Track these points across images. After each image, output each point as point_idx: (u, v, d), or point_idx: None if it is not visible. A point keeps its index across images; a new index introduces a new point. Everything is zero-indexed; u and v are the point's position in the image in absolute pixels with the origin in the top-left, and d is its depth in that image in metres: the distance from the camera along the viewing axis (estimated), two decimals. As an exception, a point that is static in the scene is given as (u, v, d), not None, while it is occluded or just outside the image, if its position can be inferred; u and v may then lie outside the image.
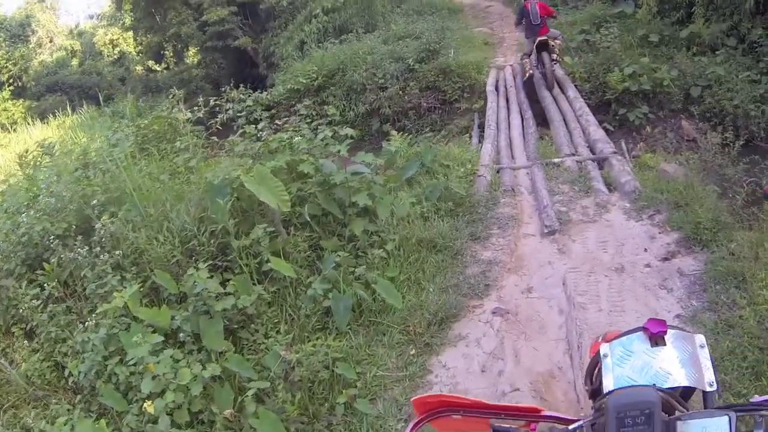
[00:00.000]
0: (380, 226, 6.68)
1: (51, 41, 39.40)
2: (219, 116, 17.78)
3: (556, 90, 12.90)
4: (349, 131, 7.42)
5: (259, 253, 6.00)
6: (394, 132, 9.37)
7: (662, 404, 1.25)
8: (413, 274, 6.25)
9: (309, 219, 6.45)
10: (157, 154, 10.36)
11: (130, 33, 31.71)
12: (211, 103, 11.06)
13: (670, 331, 1.46)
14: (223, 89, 19.76)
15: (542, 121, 12.60)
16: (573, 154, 8.76)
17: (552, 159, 8.70)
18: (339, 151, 7.21)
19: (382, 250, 6.29)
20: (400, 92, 15.31)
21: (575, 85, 13.34)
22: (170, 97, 16.34)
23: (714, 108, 12.73)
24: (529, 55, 13.62)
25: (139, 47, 30.36)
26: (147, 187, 7.16)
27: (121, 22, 31.77)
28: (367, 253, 6.42)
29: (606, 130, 12.78)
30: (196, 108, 15.99)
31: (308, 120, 10.00)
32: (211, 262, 5.77)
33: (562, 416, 1.47)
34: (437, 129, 15.04)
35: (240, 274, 5.78)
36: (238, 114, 16.70)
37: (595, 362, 1.57)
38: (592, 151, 8.93)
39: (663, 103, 13.30)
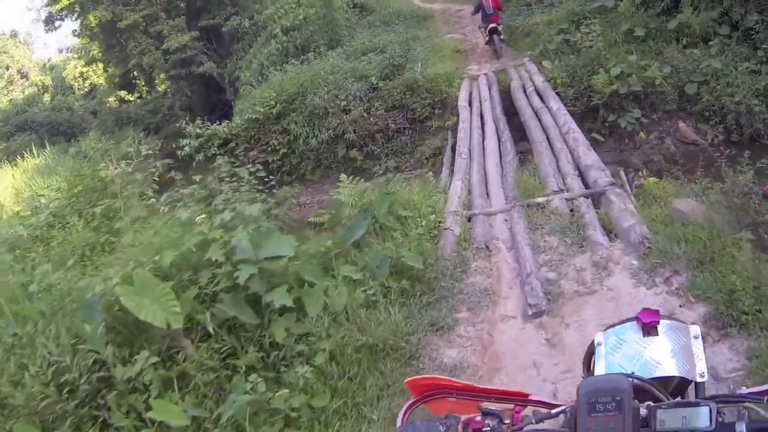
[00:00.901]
0: (310, 325, 4.85)
1: (25, 78, 37.62)
2: (178, 152, 16.22)
3: (537, 101, 11.07)
4: (256, 209, 5.48)
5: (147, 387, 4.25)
6: (343, 175, 7.62)
7: (645, 392, 1.27)
8: (351, 397, 4.42)
9: (215, 330, 4.65)
10: (79, 222, 8.59)
11: (100, 64, 29.85)
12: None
13: (663, 322, 1.42)
14: (185, 120, 18.21)
15: (522, 135, 10.83)
16: (561, 190, 6.81)
17: (535, 198, 6.77)
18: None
19: (309, 366, 4.47)
20: (365, 114, 13.51)
21: (557, 93, 11.54)
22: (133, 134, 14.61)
23: (713, 106, 11.01)
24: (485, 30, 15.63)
25: (108, 78, 28.46)
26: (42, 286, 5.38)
27: (90, 53, 29.91)
28: (293, 364, 4.62)
29: (595, 141, 11.07)
30: (146, 147, 14.25)
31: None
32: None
33: (548, 401, 1.47)
34: (408, 152, 13.35)
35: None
36: (196, 150, 15.09)
37: (591, 351, 1.51)
38: (585, 183, 7.05)
39: (656, 105, 11.51)
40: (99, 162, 19.06)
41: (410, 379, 1.58)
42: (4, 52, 37.35)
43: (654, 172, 8.14)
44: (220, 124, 15.09)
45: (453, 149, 11.04)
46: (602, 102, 11.40)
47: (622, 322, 1.49)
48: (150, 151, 17.78)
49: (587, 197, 6.50)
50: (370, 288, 5.25)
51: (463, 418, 1.36)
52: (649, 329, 1.42)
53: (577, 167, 7.57)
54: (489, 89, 12.98)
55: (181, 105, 26.66)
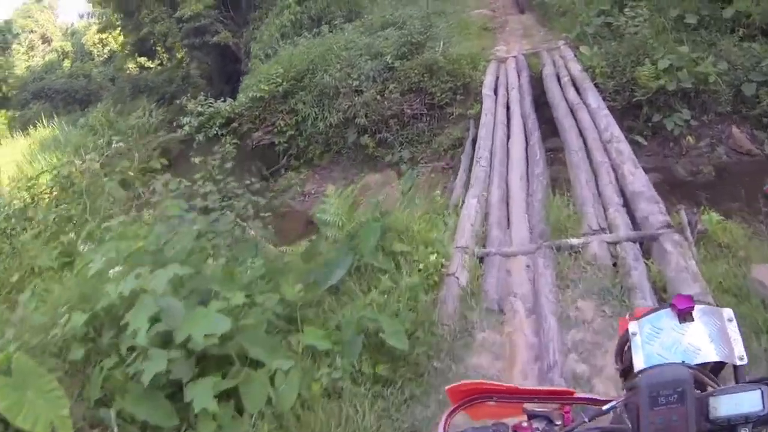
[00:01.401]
0: (248, 427, 3.48)
1: (48, 43, 36.20)
2: (179, 130, 14.86)
3: (572, 94, 9.49)
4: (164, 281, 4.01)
5: None
6: (331, 186, 6.24)
7: (696, 381, 1.21)
8: None
9: None
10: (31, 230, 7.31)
11: (117, 30, 28.27)
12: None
13: (697, 307, 1.32)
14: (186, 97, 16.77)
15: (552, 129, 9.32)
16: (602, 229, 5.22)
17: (568, 239, 5.19)
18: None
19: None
20: (378, 97, 11.98)
21: (595, 84, 9.94)
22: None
23: (773, 111, 9.42)
24: None
25: (123, 45, 26.86)
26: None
27: (106, 18, 28.32)
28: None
29: (636, 143, 9.52)
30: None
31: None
32: None
33: (596, 397, 1.41)
34: (424, 141, 11.85)
35: None
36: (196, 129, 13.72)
37: (624, 341, 1.39)
38: (631, 215, 5.50)
39: (707, 105, 9.91)
40: (103, 136, 17.98)
41: (450, 386, 1.47)
42: (29, 16, 35.87)
43: (711, 203, 6.51)
44: (224, 101, 13.64)
45: (474, 142, 9.54)
46: (646, 98, 9.81)
47: (655, 310, 1.36)
48: (154, 121, 16.62)
49: (635, 241, 4.98)
50: (337, 369, 3.85)
51: (511, 423, 1.29)
52: (684, 315, 1.30)
53: (622, 191, 6.05)
54: (518, 75, 11.39)
55: (201, 73, 25.25)
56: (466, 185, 7.53)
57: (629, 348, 1.35)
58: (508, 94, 10.56)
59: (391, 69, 12.05)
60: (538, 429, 1.28)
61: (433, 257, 5.03)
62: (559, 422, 1.30)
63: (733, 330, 1.30)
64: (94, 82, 27.76)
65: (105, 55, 30.34)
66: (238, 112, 13.19)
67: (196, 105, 13.71)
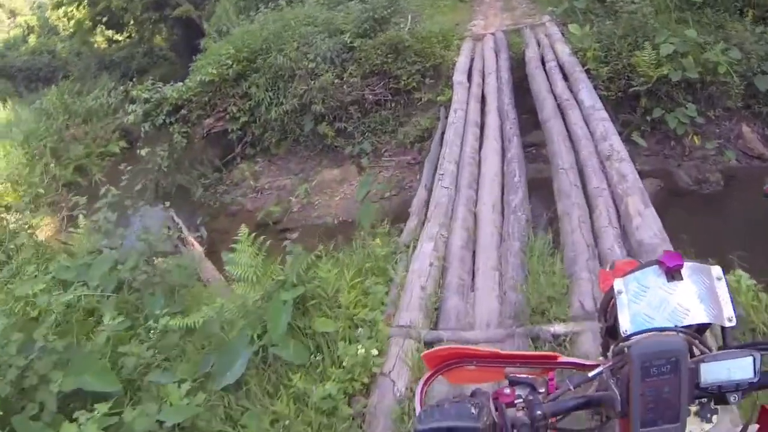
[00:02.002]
0: None
1: (14, 18, 33.27)
2: (124, 119, 13.00)
3: (561, 86, 7.84)
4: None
5: None
6: (243, 228, 4.54)
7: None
8: None
9: None
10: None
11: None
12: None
13: (686, 264, 1.20)
14: (132, 82, 14.85)
15: (535, 120, 7.75)
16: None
17: (550, 324, 3.50)
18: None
19: None
20: (337, 80, 10.21)
21: (587, 70, 8.32)
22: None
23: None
24: None
25: (82, 20, 24.23)
26: None
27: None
28: None
29: (632, 143, 7.99)
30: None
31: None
32: None
33: (581, 362, 1.32)
34: (389, 131, 10.22)
35: None
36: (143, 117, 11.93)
37: (609, 298, 1.29)
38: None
39: (715, 100, 8.37)
40: (57, 119, 16.02)
41: (426, 352, 1.37)
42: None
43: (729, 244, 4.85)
44: (173, 84, 11.78)
45: (443, 136, 7.88)
46: (645, 89, 8.21)
47: (642, 266, 1.23)
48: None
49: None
50: None
51: (492, 391, 1.17)
52: (673, 273, 1.19)
53: (624, 231, 4.45)
54: (496, 57, 9.70)
55: (168, 47, 23.05)
56: (426, 205, 5.92)
57: (614, 305, 1.23)
58: (483, 81, 8.88)
59: (351, 49, 10.29)
60: (520, 396, 1.15)
61: (360, 349, 3.42)
62: (542, 389, 1.19)
63: (722, 289, 1.18)
64: (59, 58, 25.21)
65: (71, 29, 27.68)
66: (187, 97, 11.34)
67: (142, 91, 11.84)
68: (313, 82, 10.38)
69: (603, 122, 6.29)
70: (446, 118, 8.44)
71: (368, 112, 10.29)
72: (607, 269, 1.43)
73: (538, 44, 9.62)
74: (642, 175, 7.99)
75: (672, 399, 1.04)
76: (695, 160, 8.08)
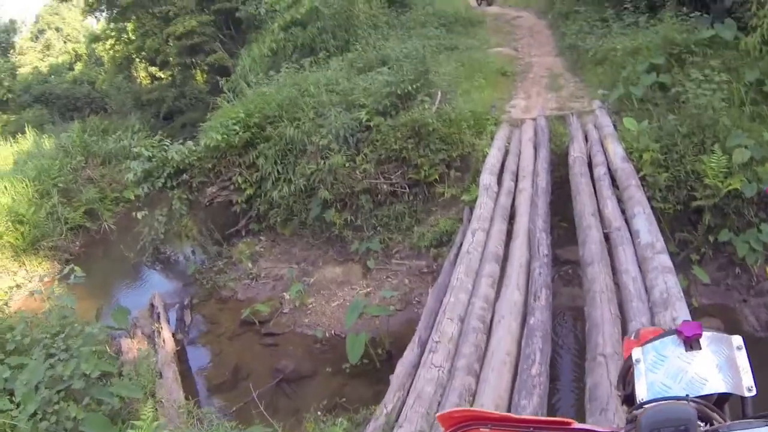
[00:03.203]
0: None
1: (65, 43, 33.02)
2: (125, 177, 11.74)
3: (611, 208, 5.82)
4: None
5: None
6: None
7: (699, 415, 1.05)
8: None
9: None
10: None
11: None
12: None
13: (705, 334, 1.15)
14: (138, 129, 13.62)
15: (572, 238, 5.86)
16: None
17: None
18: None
19: None
20: (349, 163, 8.51)
21: (642, 177, 6.42)
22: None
23: None
24: None
25: (114, 57, 23.39)
26: None
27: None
28: None
29: (688, 261, 6.03)
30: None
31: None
32: None
33: (595, 428, 1.22)
34: (403, 228, 8.45)
35: None
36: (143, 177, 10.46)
37: (628, 367, 1.23)
38: None
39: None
40: (76, 157, 14.91)
41: (441, 413, 1.28)
42: (56, 13, 32.95)
43: None
44: (183, 143, 10.36)
45: (459, 252, 6.02)
46: (711, 204, 6.24)
47: (661, 335, 1.19)
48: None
49: None
50: None
51: None
52: (691, 343, 1.14)
53: None
54: (535, 152, 7.85)
55: (209, 89, 21.99)
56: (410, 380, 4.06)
57: (632, 374, 1.18)
58: (516, 186, 7.03)
59: (368, 128, 8.61)
60: None
61: None
62: None
63: (742, 359, 1.12)
64: (99, 89, 24.44)
65: (118, 62, 26.99)
66: (190, 162, 9.87)
67: (146, 147, 10.46)
68: (323, 162, 8.74)
69: (665, 275, 4.35)
70: (469, 221, 6.63)
71: (381, 203, 8.62)
72: (632, 338, 1.28)
73: (586, 138, 7.75)
74: (696, 312, 6.06)
75: None
76: (766, 298, 6.03)
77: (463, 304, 4.74)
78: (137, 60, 22.40)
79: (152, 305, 8.65)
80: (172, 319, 8.67)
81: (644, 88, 7.88)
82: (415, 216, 8.40)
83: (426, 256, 8.07)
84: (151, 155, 10.27)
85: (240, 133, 9.60)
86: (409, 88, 8.65)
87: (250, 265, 9.41)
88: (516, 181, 7.15)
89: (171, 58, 18.70)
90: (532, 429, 1.21)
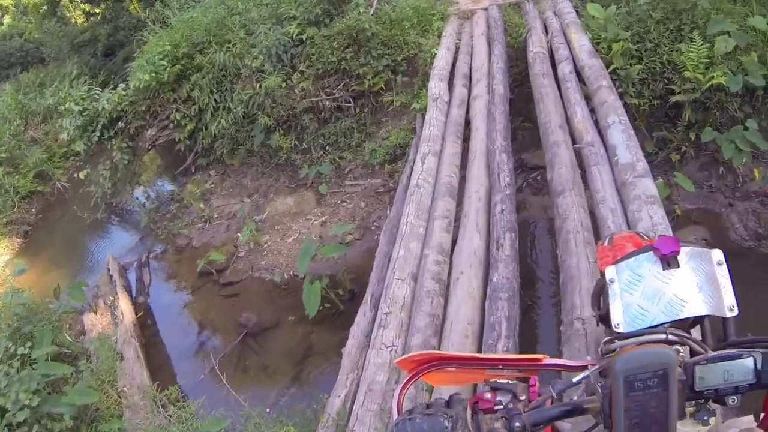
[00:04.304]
0: None
1: None
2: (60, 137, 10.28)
3: (581, 116, 4.66)
4: None
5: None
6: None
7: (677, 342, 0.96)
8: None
9: None
10: None
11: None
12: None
13: (683, 249, 0.99)
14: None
15: (538, 141, 4.89)
16: None
17: None
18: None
19: None
20: (286, 83, 7.24)
21: (613, 71, 5.33)
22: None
23: None
24: None
25: None
26: None
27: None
28: None
29: (668, 162, 5.09)
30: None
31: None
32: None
33: (568, 363, 1.11)
34: (353, 145, 7.33)
35: None
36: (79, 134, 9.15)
37: (601, 285, 1.10)
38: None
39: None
40: (15, 121, 13.07)
41: (401, 358, 1.15)
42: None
43: None
44: (115, 88, 8.92)
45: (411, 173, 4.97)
46: (691, 99, 5.16)
47: (636, 253, 1.03)
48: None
49: None
50: None
51: (471, 398, 1.00)
52: (669, 260, 0.99)
53: None
54: (489, 49, 6.60)
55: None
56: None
57: (607, 293, 1.04)
58: (470, 94, 5.82)
59: (302, 42, 7.23)
60: (501, 402, 0.99)
61: None
62: (523, 397, 1.01)
63: (723, 275, 0.99)
64: (31, 39, 19.79)
65: (44, 7, 22.62)
66: (122, 108, 8.51)
67: (76, 102, 9.00)
68: (258, 85, 7.45)
69: (649, 206, 3.32)
70: (422, 130, 5.54)
71: (327, 121, 7.38)
72: (605, 244, 1.17)
73: (546, 30, 6.45)
74: (680, 220, 5.16)
75: (660, 414, 0.86)
76: (753, 202, 5.09)
77: (415, 256, 3.75)
78: (66, -1, 19.18)
79: (108, 272, 7.67)
80: (132, 279, 7.73)
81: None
82: (364, 130, 7.20)
83: (380, 174, 7.00)
84: (82, 109, 8.85)
85: (168, 68, 8.16)
86: (343, -11, 7.22)
87: (202, 206, 8.29)
88: (469, 87, 5.95)
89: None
90: (500, 366, 1.10)
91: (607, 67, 5.50)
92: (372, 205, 6.93)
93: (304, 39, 7.13)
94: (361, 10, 6.90)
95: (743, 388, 0.90)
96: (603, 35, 5.83)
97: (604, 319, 1.05)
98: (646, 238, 1.19)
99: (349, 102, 7.18)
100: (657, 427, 0.86)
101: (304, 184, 7.50)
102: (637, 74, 5.51)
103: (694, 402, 0.92)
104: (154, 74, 8.12)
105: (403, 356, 1.14)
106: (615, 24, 5.83)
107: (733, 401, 0.91)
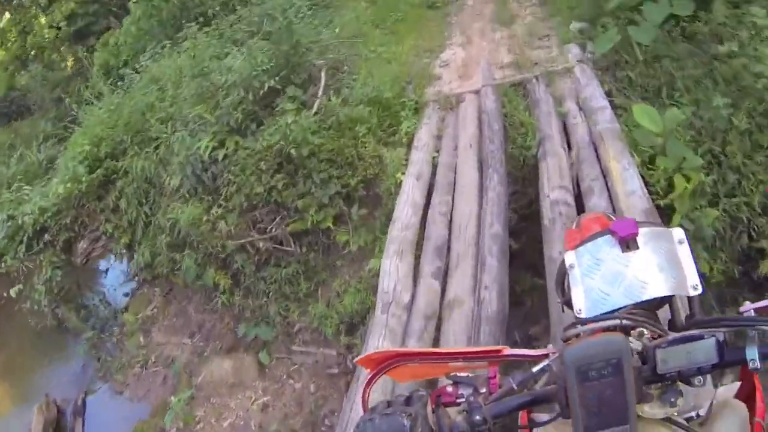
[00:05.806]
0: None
1: None
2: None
3: None
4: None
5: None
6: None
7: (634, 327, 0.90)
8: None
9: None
10: None
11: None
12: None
13: (642, 230, 0.95)
14: None
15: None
16: None
17: None
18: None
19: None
20: (208, 213, 4.87)
21: (665, 214, 2.82)
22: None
23: None
24: None
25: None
26: None
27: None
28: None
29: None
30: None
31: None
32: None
33: (529, 353, 1.03)
34: (300, 296, 4.95)
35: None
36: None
37: (563, 272, 1.06)
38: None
39: None
40: None
41: (361, 357, 1.07)
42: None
43: None
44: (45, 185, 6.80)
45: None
46: None
47: (594, 236, 0.98)
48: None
49: None
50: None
51: (432, 392, 0.94)
52: (628, 243, 0.94)
53: None
54: (480, 179, 4.01)
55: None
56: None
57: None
58: (443, 288, 3.30)
59: (214, 161, 4.81)
60: (462, 395, 0.92)
61: None
62: (484, 390, 0.94)
63: (685, 254, 0.94)
64: (17, 88, 15.84)
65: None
66: (44, 220, 6.36)
67: (5, 205, 6.88)
68: (180, 209, 5.11)
69: None
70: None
71: (266, 261, 4.97)
72: (574, 228, 1.11)
73: (567, 139, 3.85)
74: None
75: (617, 401, 0.79)
76: None
77: None
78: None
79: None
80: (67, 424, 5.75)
81: (654, 29, 3.78)
82: (314, 278, 4.78)
83: (335, 344, 4.60)
84: (6, 217, 6.72)
85: (86, 176, 5.96)
86: (272, 83, 4.69)
87: (141, 339, 6.12)
88: (445, 272, 3.39)
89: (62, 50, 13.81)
90: (461, 359, 1.03)
91: (664, 215, 2.97)
92: (325, 389, 4.55)
93: (220, 157, 4.69)
94: (290, 120, 4.36)
95: (706, 369, 0.83)
96: (660, 162, 3.22)
97: (570, 304, 0.97)
98: (613, 218, 1.07)
99: (291, 242, 4.74)
100: (615, 415, 0.79)
101: (245, 344, 5.17)
102: (712, 224, 2.93)
103: (660, 384, 0.84)
104: (70, 184, 5.95)
105: (363, 355, 1.05)
106: (680, 140, 3.21)
107: (699, 382, 0.83)
